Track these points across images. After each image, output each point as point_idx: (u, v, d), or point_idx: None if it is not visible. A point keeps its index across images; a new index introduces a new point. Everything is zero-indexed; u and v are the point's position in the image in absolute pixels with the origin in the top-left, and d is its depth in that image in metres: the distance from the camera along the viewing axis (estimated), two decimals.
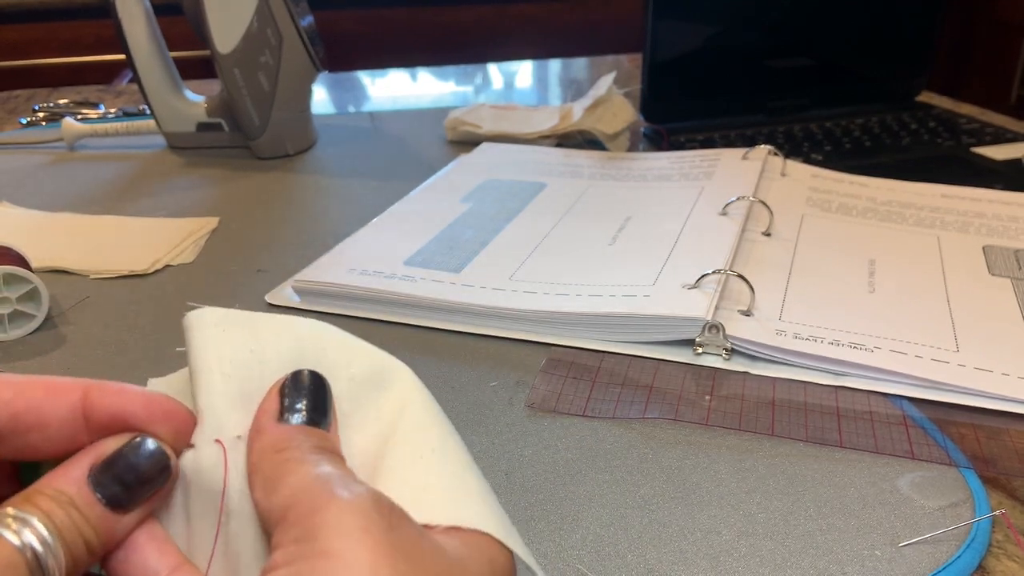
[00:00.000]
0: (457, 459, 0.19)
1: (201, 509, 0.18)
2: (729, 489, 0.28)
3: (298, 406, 0.18)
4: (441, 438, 0.19)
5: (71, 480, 0.17)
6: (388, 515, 0.15)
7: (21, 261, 0.41)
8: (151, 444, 0.18)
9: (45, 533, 0.15)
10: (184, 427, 0.18)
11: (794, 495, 0.28)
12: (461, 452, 0.19)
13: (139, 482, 0.17)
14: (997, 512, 0.27)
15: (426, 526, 0.17)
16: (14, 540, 0.15)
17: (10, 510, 0.15)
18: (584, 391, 0.34)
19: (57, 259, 0.47)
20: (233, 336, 0.19)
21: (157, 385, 0.20)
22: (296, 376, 0.19)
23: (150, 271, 0.46)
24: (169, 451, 0.18)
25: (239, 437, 0.18)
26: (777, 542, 0.26)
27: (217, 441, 0.18)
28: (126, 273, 0.46)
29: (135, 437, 0.18)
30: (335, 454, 0.18)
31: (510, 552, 0.17)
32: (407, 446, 0.19)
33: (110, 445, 0.17)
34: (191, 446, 0.18)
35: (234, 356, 0.19)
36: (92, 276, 0.46)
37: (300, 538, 0.15)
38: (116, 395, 0.18)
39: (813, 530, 0.26)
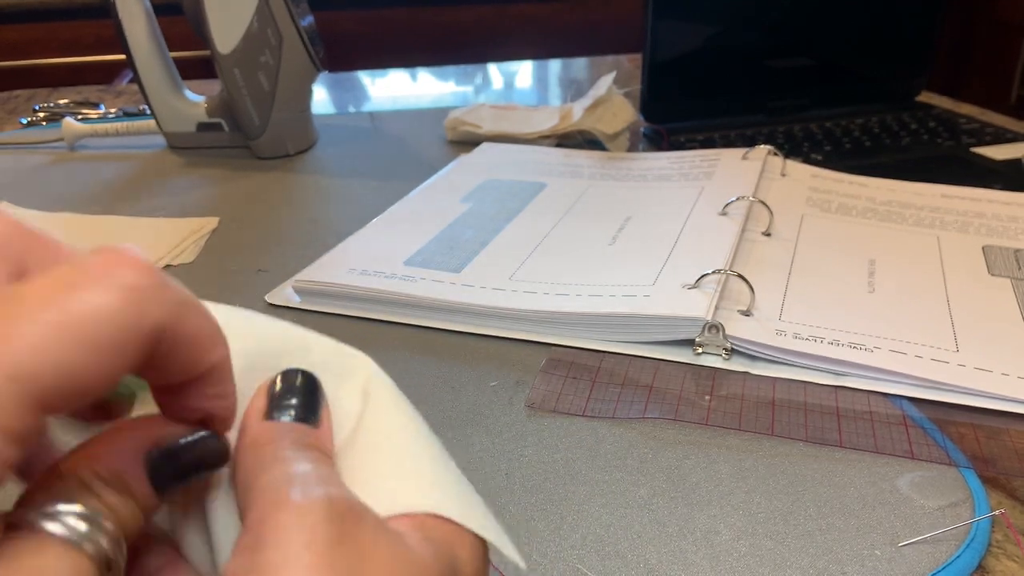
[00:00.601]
0: (418, 445, 0.18)
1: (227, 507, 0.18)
2: (729, 489, 0.28)
3: (285, 403, 0.18)
4: (401, 425, 0.19)
5: (128, 463, 0.15)
6: (340, 523, 0.14)
7: None
8: (218, 442, 0.17)
9: (111, 530, 0.14)
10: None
11: (794, 495, 0.28)
12: (423, 438, 0.19)
13: (195, 474, 0.17)
14: (997, 512, 0.27)
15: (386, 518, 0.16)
16: (88, 548, 0.14)
17: (76, 508, 0.14)
18: (584, 391, 0.34)
19: None
20: None
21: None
22: (285, 374, 0.18)
23: None
24: (229, 448, 0.17)
25: None
26: (777, 542, 0.26)
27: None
28: None
29: (202, 431, 0.17)
30: (319, 451, 0.17)
31: (482, 540, 0.17)
32: (366, 435, 0.18)
33: (170, 431, 0.16)
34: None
35: None
36: None
37: (246, 546, 0.14)
38: (231, 380, 0.17)
39: (813, 530, 0.26)
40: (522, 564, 0.17)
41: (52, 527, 0.13)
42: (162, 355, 0.15)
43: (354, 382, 0.19)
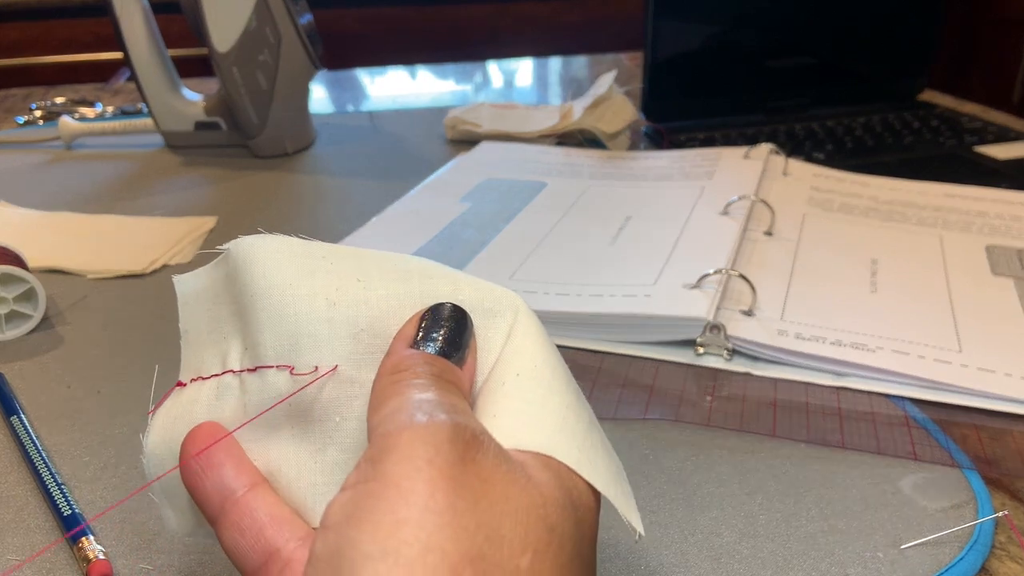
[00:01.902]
0: (544, 383, 0.18)
1: (303, 432, 0.18)
2: (730, 490, 0.28)
3: (433, 335, 0.18)
4: (533, 362, 0.19)
5: None
6: (464, 447, 0.15)
7: (18, 261, 0.41)
8: None
9: None
10: None
11: (796, 496, 0.28)
12: (552, 376, 0.19)
13: None
14: (1000, 514, 0.26)
15: None
16: None
17: None
18: (584, 391, 0.33)
19: (54, 259, 0.47)
20: (338, 266, 0.19)
21: (184, 282, 0.20)
22: (437, 308, 0.19)
23: (148, 271, 0.46)
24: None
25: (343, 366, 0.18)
26: (779, 544, 0.26)
27: (335, 368, 0.18)
28: (124, 273, 0.46)
29: None
30: (454, 385, 0.17)
31: (597, 493, 0.17)
32: (497, 372, 0.19)
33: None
34: (305, 374, 0.18)
35: (341, 284, 0.19)
36: (89, 276, 0.46)
37: (370, 457, 0.15)
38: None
39: (815, 532, 0.26)
40: (640, 529, 0.18)
41: None
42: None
43: (501, 321, 0.19)
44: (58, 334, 0.40)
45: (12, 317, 0.39)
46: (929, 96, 0.76)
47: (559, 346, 0.36)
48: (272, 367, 0.18)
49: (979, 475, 0.28)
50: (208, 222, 0.53)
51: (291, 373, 0.18)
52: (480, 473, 0.15)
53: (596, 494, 0.17)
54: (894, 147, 0.62)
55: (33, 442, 0.31)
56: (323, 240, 0.20)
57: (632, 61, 0.98)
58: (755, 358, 0.35)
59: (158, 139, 0.69)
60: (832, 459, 0.30)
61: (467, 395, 0.18)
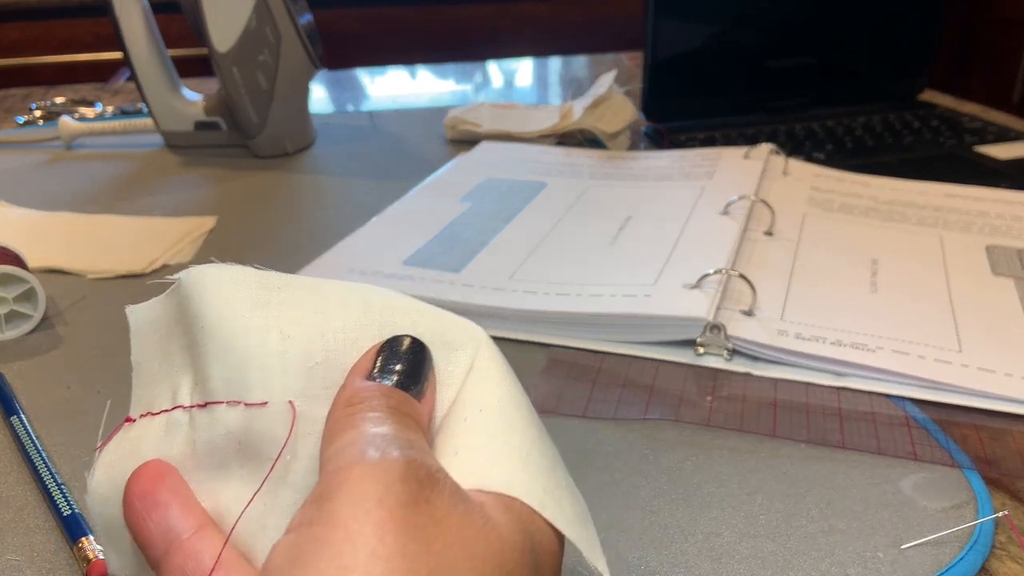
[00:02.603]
0: (507, 419, 0.18)
1: (253, 471, 0.17)
2: (731, 490, 0.28)
3: (390, 368, 0.17)
4: (496, 396, 0.18)
5: None
6: (417, 486, 0.14)
7: (18, 261, 0.41)
8: None
9: None
10: None
11: (796, 496, 0.28)
12: (516, 412, 0.18)
13: None
14: (1000, 514, 0.26)
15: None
16: None
17: None
18: (584, 392, 0.33)
19: (54, 259, 0.47)
20: (293, 298, 0.18)
21: (138, 312, 0.19)
22: (395, 340, 0.18)
23: (148, 271, 0.46)
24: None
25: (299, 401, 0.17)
26: (779, 544, 0.26)
27: (289, 403, 0.17)
28: (123, 273, 0.46)
29: None
30: (411, 419, 0.16)
31: (559, 534, 0.16)
32: (457, 407, 0.18)
33: None
34: (258, 403, 0.17)
35: (297, 318, 0.18)
36: (89, 276, 0.46)
37: (318, 497, 0.14)
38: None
39: (815, 532, 0.26)
40: (606, 573, 0.17)
41: None
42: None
43: (462, 354, 0.19)
44: (58, 334, 0.40)
45: (12, 317, 0.39)
46: (929, 96, 0.76)
47: (559, 346, 0.37)
48: (222, 403, 0.17)
49: (979, 475, 0.28)
50: (208, 222, 0.53)
51: (244, 406, 0.17)
52: (434, 514, 0.14)
53: (560, 537, 0.17)
54: (894, 147, 0.62)
55: (33, 442, 0.31)
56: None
57: (632, 61, 0.98)
58: (755, 358, 0.35)
59: (158, 139, 0.69)
60: (832, 459, 0.30)
61: (426, 430, 0.17)
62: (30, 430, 0.31)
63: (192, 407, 0.18)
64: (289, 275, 0.19)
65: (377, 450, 0.14)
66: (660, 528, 0.27)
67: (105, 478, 0.19)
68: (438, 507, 0.14)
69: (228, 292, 0.18)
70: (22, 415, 0.32)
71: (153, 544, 0.17)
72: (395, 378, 0.17)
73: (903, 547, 0.25)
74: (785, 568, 0.25)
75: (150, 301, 0.20)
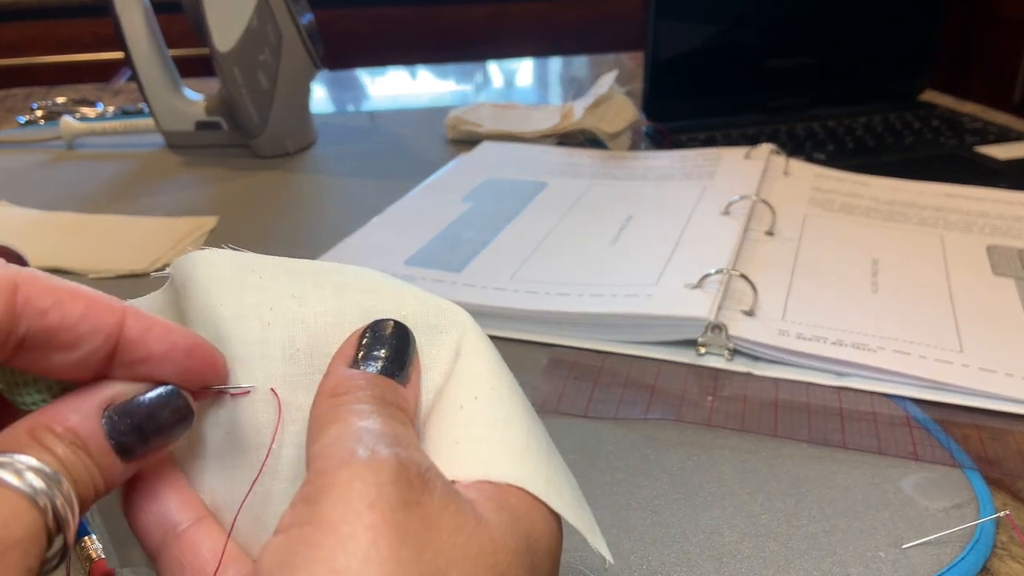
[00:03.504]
0: (504, 407, 0.17)
1: (241, 461, 0.17)
2: (732, 490, 0.28)
3: (374, 354, 0.17)
4: (490, 384, 0.18)
5: (83, 421, 0.15)
6: (408, 487, 0.14)
7: (19, 260, 0.41)
8: (175, 394, 0.16)
9: (56, 480, 0.14)
10: (220, 379, 0.17)
11: (797, 496, 0.28)
12: (510, 400, 0.18)
13: (156, 433, 0.16)
14: (1001, 513, 0.26)
15: (455, 482, 0.15)
16: (40, 500, 0.13)
17: (28, 460, 0.14)
18: (586, 391, 0.34)
19: (56, 258, 0.47)
20: (271, 283, 0.18)
21: (139, 305, 0.19)
22: (378, 324, 0.17)
23: (149, 271, 0.46)
24: (193, 406, 0.17)
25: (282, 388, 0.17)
26: (780, 543, 0.26)
27: (272, 391, 0.17)
28: (125, 273, 0.46)
29: (162, 387, 0.16)
30: (398, 408, 0.16)
31: (559, 520, 0.16)
32: (451, 394, 0.17)
33: (124, 388, 0.16)
34: (241, 391, 0.17)
35: (275, 303, 0.18)
36: (91, 276, 0.46)
37: (306, 498, 0.14)
38: (160, 333, 0.16)
39: (816, 531, 0.26)
40: (609, 556, 0.17)
41: (2, 474, 0.13)
42: (29, 318, 0.14)
43: (448, 338, 0.18)
44: None
45: None
46: (930, 96, 0.76)
47: (561, 346, 0.37)
48: (210, 393, 0.17)
49: (980, 475, 0.28)
50: (209, 222, 0.53)
51: (229, 396, 0.17)
52: (426, 518, 0.14)
53: (558, 531, 0.16)
54: (895, 147, 0.62)
55: None
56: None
57: (633, 61, 0.98)
58: (756, 358, 0.35)
59: (159, 139, 0.69)
60: (833, 459, 0.30)
61: (412, 417, 0.17)
62: None
63: None
64: (266, 257, 0.18)
65: (367, 449, 0.14)
66: (661, 527, 0.27)
67: None
68: (430, 509, 0.14)
69: (207, 280, 0.18)
70: None
71: (150, 535, 0.17)
72: (379, 364, 0.17)
73: (904, 547, 0.25)
74: (786, 567, 0.25)
75: (150, 295, 0.20)
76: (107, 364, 0.16)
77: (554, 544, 0.16)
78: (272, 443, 0.17)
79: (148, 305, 0.19)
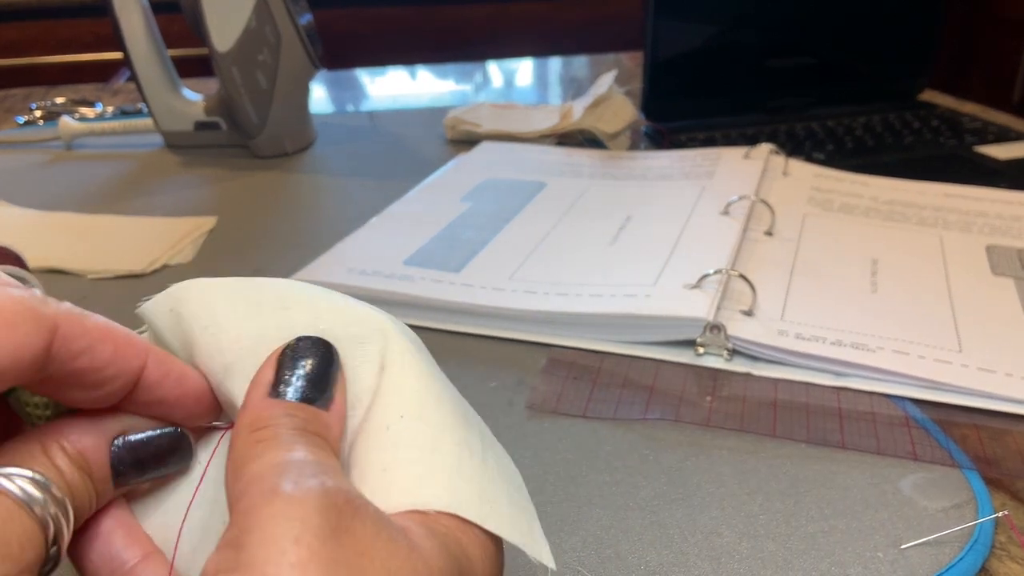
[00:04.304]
0: (432, 423, 0.16)
1: (180, 488, 0.17)
2: (730, 490, 0.28)
3: (292, 378, 0.16)
4: (417, 399, 0.17)
5: (94, 445, 0.16)
6: (337, 515, 0.13)
7: (18, 261, 0.41)
8: (182, 437, 0.17)
9: (60, 498, 0.14)
10: (214, 418, 0.18)
11: (796, 496, 0.28)
12: (439, 414, 0.17)
13: (155, 468, 0.17)
14: (1000, 514, 0.26)
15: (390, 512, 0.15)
16: (38, 512, 0.14)
17: (34, 474, 0.14)
18: (585, 392, 0.34)
19: (55, 259, 0.47)
20: (189, 314, 0.17)
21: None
22: (295, 344, 0.17)
23: (148, 271, 0.46)
24: (194, 447, 0.17)
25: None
26: (779, 544, 0.26)
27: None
28: (124, 273, 0.46)
29: (170, 428, 0.17)
30: (321, 437, 0.15)
31: (485, 533, 0.15)
32: (377, 414, 0.16)
33: (138, 423, 0.17)
34: (228, 426, 0.17)
35: (195, 338, 0.17)
36: (90, 276, 0.46)
37: (231, 541, 0.13)
38: (177, 380, 0.16)
39: (815, 532, 0.26)
40: (551, 564, 0.16)
41: (5, 484, 0.14)
42: (62, 361, 0.14)
43: (370, 348, 0.17)
44: None
45: None
46: (929, 96, 0.76)
47: (560, 346, 0.37)
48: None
49: (979, 475, 0.28)
50: (208, 222, 0.53)
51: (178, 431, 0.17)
52: (357, 546, 0.13)
53: (494, 554, 0.16)
54: (894, 147, 0.62)
55: None
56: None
57: (632, 61, 0.98)
58: (755, 358, 0.35)
59: (158, 139, 0.69)
60: (832, 459, 0.30)
61: (337, 444, 0.16)
62: None
63: None
64: (183, 283, 0.18)
65: (290, 482, 0.13)
66: (660, 527, 0.27)
67: None
68: (361, 537, 0.13)
69: (158, 322, 0.18)
70: None
71: (97, 574, 0.16)
72: (300, 391, 0.16)
73: (903, 547, 0.25)
74: (785, 568, 0.25)
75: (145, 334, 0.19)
76: (121, 400, 0.16)
77: (490, 565, 0.16)
78: (205, 472, 0.17)
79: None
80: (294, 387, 0.16)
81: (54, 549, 0.14)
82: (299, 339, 0.17)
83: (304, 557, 0.12)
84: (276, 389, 0.16)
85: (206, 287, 0.18)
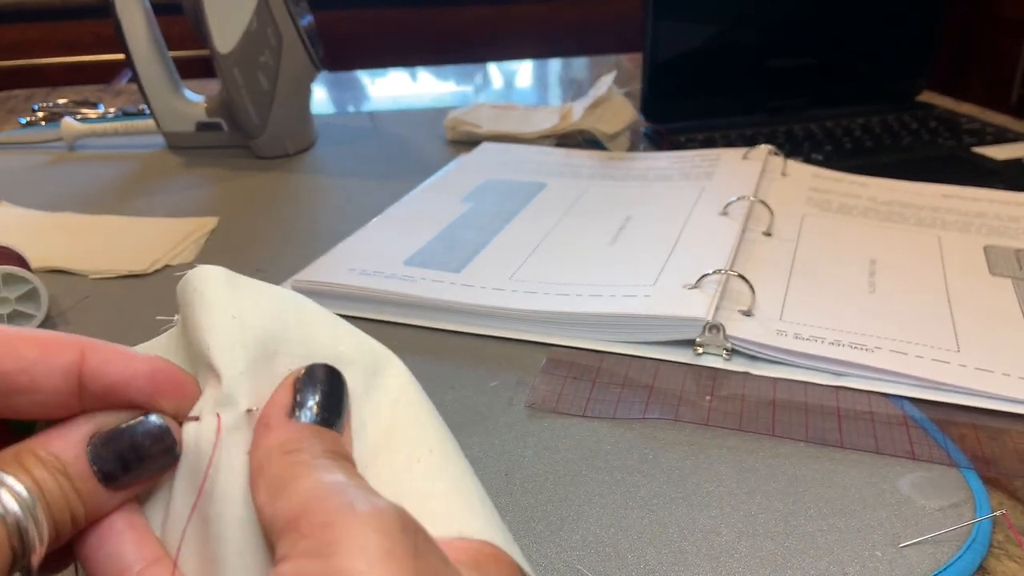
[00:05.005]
0: (455, 461, 0.18)
1: (185, 488, 0.17)
2: (729, 490, 0.28)
3: (311, 403, 0.17)
4: (439, 437, 0.18)
5: (67, 446, 0.16)
6: (414, 537, 0.14)
7: (20, 261, 0.41)
8: (157, 423, 0.16)
9: (28, 499, 0.14)
10: (190, 400, 0.17)
11: (795, 496, 0.28)
12: (457, 452, 0.18)
13: (139, 461, 0.16)
14: (998, 513, 0.27)
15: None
16: (10, 520, 0.14)
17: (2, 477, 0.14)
18: (584, 391, 0.34)
19: (56, 259, 0.47)
20: (219, 297, 0.18)
21: (147, 350, 0.19)
22: (311, 370, 0.17)
23: (149, 271, 0.46)
24: (175, 431, 0.17)
25: (249, 410, 0.17)
26: (778, 543, 0.26)
27: (217, 415, 0.17)
28: (125, 273, 0.46)
29: (141, 414, 0.17)
30: (347, 460, 0.16)
31: (515, 563, 0.16)
32: (404, 446, 0.17)
33: (112, 418, 0.16)
34: (194, 419, 0.17)
35: (218, 324, 0.17)
36: (92, 276, 0.46)
37: (313, 552, 0.13)
38: (119, 362, 0.16)
39: (814, 531, 0.26)
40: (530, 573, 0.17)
41: None
42: None
43: (382, 384, 0.18)
44: None
45: (15, 317, 0.40)
46: (928, 97, 0.76)
47: (559, 346, 0.37)
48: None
49: (977, 474, 0.28)
50: (209, 222, 0.53)
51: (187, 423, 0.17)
52: (430, 567, 0.14)
53: (517, 572, 0.16)
54: (893, 148, 0.63)
55: None
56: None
57: (632, 62, 0.98)
58: (754, 358, 0.35)
59: (159, 140, 0.69)
60: (831, 458, 0.30)
61: (354, 464, 0.17)
62: None
63: None
64: (203, 274, 0.18)
65: (363, 501, 0.14)
66: (659, 527, 0.27)
67: None
68: (431, 561, 0.14)
69: (191, 296, 0.18)
70: None
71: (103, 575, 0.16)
72: (318, 415, 0.17)
73: (901, 546, 0.26)
74: (784, 567, 0.25)
75: (155, 339, 0.20)
76: (78, 399, 0.16)
77: None
78: (209, 466, 0.16)
79: (153, 346, 0.19)
80: (311, 411, 0.17)
81: (28, 560, 0.14)
82: (315, 365, 0.18)
83: (396, 570, 0.13)
84: (295, 411, 0.17)
85: (234, 278, 0.18)
